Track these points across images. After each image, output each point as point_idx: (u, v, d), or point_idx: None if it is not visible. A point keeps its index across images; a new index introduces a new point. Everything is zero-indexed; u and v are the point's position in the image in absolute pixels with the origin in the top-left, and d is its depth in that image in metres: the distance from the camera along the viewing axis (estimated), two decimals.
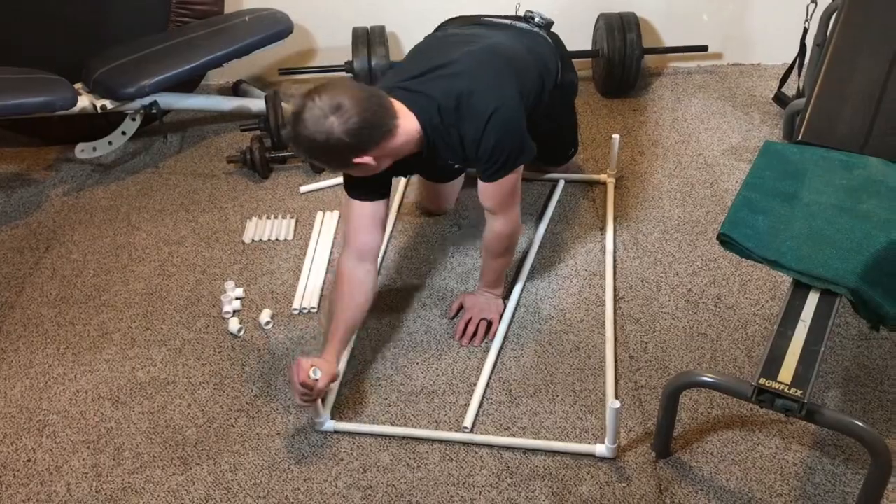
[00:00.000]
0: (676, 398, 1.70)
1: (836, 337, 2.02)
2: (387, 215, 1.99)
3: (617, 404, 1.67)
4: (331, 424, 1.86)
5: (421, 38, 2.19)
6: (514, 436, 1.84)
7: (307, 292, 2.23)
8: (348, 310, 1.88)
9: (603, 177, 2.56)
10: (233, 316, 2.17)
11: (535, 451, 1.81)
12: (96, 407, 1.96)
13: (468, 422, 1.86)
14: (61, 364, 2.07)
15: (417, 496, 1.73)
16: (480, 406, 1.91)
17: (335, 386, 1.95)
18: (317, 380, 1.73)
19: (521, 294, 2.19)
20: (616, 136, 2.50)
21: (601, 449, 1.78)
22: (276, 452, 1.83)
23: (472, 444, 1.83)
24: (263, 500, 1.74)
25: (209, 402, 1.95)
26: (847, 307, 1.85)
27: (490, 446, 1.82)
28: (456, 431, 1.85)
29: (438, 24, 2.33)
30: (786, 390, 1.50)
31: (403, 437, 1.85)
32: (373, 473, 1.78)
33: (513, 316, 2.12)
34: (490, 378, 1.97)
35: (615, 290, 2.18)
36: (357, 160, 1.72)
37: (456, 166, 2.14)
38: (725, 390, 1.68)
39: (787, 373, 1.53)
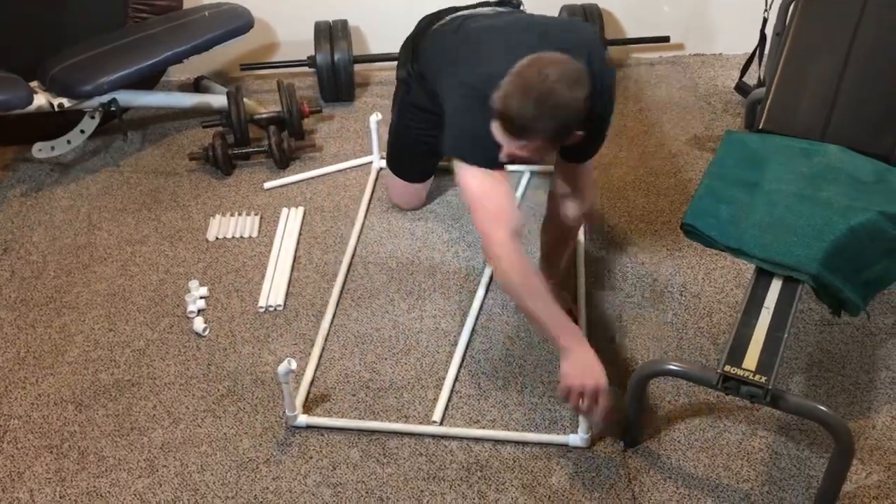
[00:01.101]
0: (644, 387, 1.72)
1: (800, 323, 2.05)
2: None
3: None
4: (303, 420, 1.85)
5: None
6: (483, 428, 1.84)
7: (273, 290, 2.21)
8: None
9: None
10: (197, 315, 2.14)
11: (504, 443, 1.81)
12: (59, 411, 1.92)
13: (437, 416, 1.86)
14: (22, 368, 2.03)
15: (387, 492, 1.73)
16: (450, 400, 1.90)
17: (305, 384, 1.94)
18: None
19: (488, 286, 2.19)
20: None
21: (574, 439, 1.79)
22: (244, 452, 1.81)
23: (442, 438, 1.83)
24: (232, 500, 1.72)
25: (175, 403, 1.93)
26: (809, 293, 1.87)
27: (460, 439, 1.82)
28: (426, 425, 1.85)
29: (431, 23, 2.10)
30: (750, 377, 1.52)
31: (373, 433, 1.84)
32: (342, 470, 1.77)
33: (480, 308, 2.12)
34: (459, 371, 1.97)
35: (585, 281, 2.19)
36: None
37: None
38: (691, 378, 1.69)
39: (751, 360, 1.55)
